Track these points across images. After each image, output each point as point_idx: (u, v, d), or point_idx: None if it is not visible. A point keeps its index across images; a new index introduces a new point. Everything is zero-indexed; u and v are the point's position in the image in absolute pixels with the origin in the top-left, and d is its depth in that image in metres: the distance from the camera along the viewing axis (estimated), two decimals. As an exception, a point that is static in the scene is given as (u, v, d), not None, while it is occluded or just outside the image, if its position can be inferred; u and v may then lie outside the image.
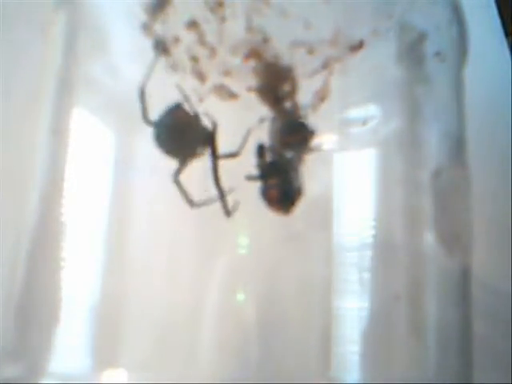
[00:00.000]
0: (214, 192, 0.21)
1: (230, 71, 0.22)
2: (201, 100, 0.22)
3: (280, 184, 0.22)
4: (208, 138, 0.22)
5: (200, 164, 0.22)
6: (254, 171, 0.22)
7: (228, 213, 0.21)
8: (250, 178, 0.22)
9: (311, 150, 0.22)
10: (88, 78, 0.23)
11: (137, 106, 0.22)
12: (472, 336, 0.23)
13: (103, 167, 0.23)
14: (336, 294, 0.22)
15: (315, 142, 0.22)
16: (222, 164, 0.22)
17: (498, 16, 0.38)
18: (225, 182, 0.22)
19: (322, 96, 0.22)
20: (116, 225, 0.22)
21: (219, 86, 0.22)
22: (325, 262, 0.22)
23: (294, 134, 0.22)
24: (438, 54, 0.23)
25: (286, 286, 0.22)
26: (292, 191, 0.22)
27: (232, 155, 0.22)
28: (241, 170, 0.22)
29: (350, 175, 0.23)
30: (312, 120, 0.22)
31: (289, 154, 0.22)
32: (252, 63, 0.22)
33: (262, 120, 0.22)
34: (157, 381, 0.20)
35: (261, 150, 0.22)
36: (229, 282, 0.22)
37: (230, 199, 0.21)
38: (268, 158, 0.22)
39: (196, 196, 0.21)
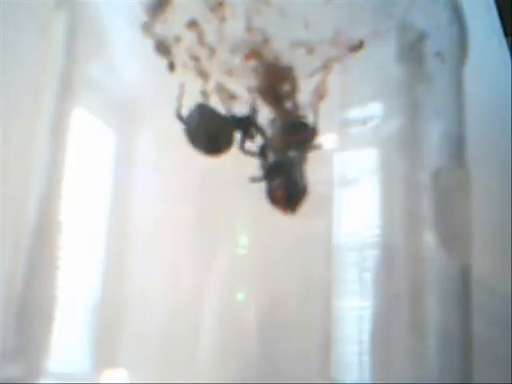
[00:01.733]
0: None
1: (230, 71, 0.22)
2: (204, 99, 0.22)
3: (285, 183, 0.22)
4: (243, 121, 0.22)
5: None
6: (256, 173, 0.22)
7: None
8: (253, 179, 0.22)
9: (314, 148, 0.22)
10: (88, 78, 0.23)
11: (136, 105, 0.22)
12: (472, 336, 0.23)
13: (103, 167, 0.23)
14: (336, 294, 0.22)
15: (317, 140, 0.22)
16: (222, 164, 0.22)
17: (498, 16, 0.38)
18: (225, 183, 0.22)
19: (320, 94, 0.22)
20: (116, 224, 0.22)
21: (219, 87, 0.22)
22: (325, 261, 0.22)
23: (295, 134, 0.22)
24: (438, 53, 0.23)
25: (286, 286, 0.22)
26: (297, 190, 0.22)
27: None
28: (241, 170, 0.22)
29: (351, 175, 0.23)
30: (312, 119, 0.22)
31: (291, 153, 0.22)
32: (252, 63, 0.22)
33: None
34: (157, 381, 0.20)
35: (262, 151, 0.22)
36: (229, 282, 0.22)
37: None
38: (270, 158, 0.22)
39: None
